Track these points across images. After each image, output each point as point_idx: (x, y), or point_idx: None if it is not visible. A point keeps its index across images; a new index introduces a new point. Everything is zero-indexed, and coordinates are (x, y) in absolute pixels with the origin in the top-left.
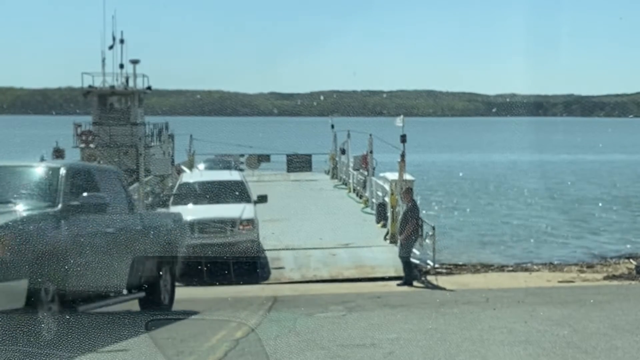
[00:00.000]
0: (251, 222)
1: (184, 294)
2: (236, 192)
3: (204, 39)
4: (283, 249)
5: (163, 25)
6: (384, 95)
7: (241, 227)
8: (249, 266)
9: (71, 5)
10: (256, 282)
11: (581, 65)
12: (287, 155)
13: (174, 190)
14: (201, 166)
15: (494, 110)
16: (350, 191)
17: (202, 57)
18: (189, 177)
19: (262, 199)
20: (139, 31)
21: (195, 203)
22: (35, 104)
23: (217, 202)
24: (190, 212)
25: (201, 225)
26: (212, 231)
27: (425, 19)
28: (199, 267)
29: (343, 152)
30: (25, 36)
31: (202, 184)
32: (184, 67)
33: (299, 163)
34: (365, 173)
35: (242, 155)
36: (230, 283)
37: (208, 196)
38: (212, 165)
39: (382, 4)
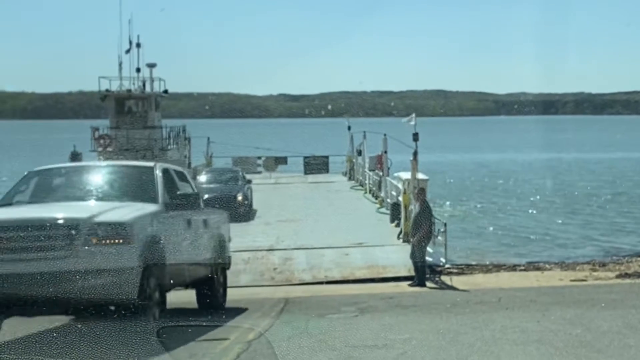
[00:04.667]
0: (122, 231)
1: (193, 297)
2: (127, 187)
3: (213, 42)
4: (296, 249)
5: (171, 29)
6: (391, 100)
7: (94, 240)
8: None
9: (84, 10)
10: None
11: (591, 64)
12: (305, 157)
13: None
14: (203, 177)
15: (503, 110)
16: (366, 192)
17: (212, 60)
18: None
19: (188, 199)
20: (146, 35)
21: (36, 202)
22: (46, 108)
23: (76, 199)
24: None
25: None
26: (24, 247)
27: (434, 19)
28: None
29: (359, 153)
30: (36, 41)
31: (63, 171)
32: (194, 70)
33: (316, 165)
34: (381, 173)
35: (259, 158)
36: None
37: (69, 192)
38: (217, 176)
39: (392, 5)
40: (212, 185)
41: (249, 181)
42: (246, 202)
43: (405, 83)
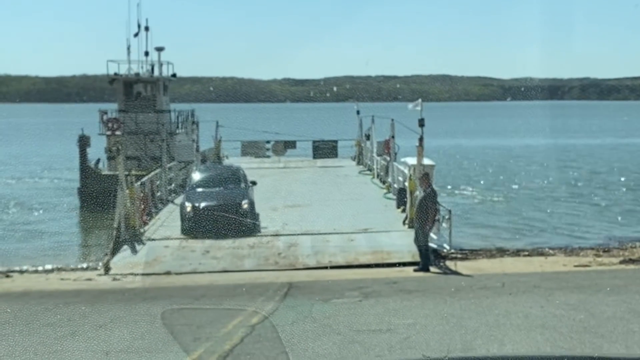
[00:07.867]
0: None
1: (202, 279)
2: None
3: (218, 26)
4: (301, 234)
5: (175, 13)
6: (397, 83)
7: None
8: None
9: None
10: None
11: (597, 49)
12: (313, 142)
13: None
14: (196, 175)
15: (509, 95)
16: (374, 177)
17: (217, 44)
18: None
19: None
20: (152, 19)
21: None
22: (50, 91)
23: None
24: None
25: None
26: None
27: (440, 3)
28: None
29: (368, 137)
30: (40, 25)
31: None
32: (198, 54)
33: (325, 149)
34: (388, 158)
35: (268, 142)
36: None
37: None
38: (213, 177)
39: None
40: (209, 190)
41: (254, 182)
42: (253, 210)
43: (411, 68)
